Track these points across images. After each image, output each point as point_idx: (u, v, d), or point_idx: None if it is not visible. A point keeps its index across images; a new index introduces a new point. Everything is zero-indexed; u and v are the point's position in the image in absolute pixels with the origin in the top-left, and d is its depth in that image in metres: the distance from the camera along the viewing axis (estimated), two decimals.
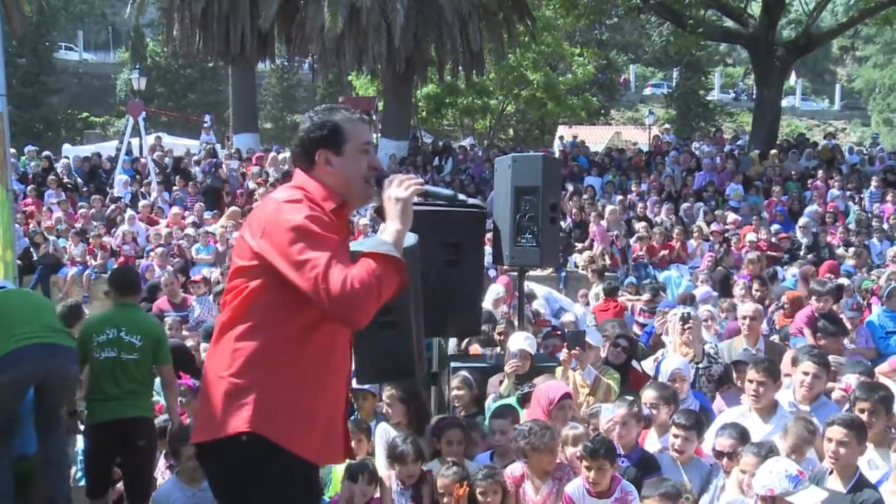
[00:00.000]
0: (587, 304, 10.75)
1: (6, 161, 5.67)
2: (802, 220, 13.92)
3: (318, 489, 3.00)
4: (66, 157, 20.51)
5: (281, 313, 2.64)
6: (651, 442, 4.87)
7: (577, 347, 5.46)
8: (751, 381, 4.77)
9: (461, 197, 3.01)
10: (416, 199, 2.77)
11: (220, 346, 2.72)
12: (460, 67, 23.64)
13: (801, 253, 13.13)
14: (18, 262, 6.03)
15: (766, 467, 3.66)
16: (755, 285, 8.99)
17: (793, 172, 17.81)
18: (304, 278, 2.53)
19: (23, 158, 19.23)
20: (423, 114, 36.15)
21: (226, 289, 2.83)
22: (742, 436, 4.31)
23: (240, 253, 2.76)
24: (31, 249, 14.03)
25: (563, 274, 13.87)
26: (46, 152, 20.84)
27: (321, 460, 2.82)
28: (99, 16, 58.46)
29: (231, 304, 2.72)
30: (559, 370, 5.65)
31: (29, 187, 17.20)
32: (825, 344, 6.76)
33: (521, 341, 5.49)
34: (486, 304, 8.71)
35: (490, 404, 5.31)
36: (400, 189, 2.71)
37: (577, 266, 14.31)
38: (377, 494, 4.44)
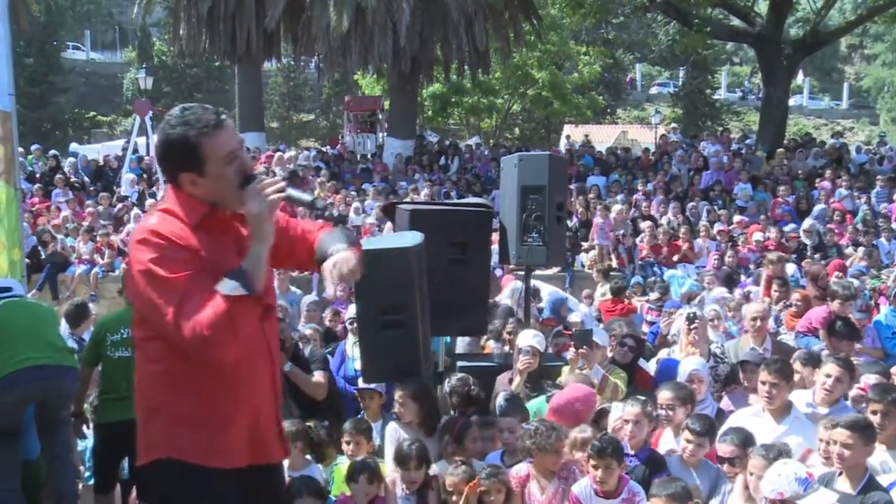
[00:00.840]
0: (591, 304, 10.72)
1: (15, 160, 5.68)
2: (807, 223, 13.85)
3: (272, 487, 3.01)
4: (73, 157, 20.57)
5: (159, 345, 2.69)
6: (666, 442, 4.84)
7: (585, 346, 5.44)
8: (763, 383, 4.71)
9: (319, 203, 2.95)
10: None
11: (137, 369, 2.80)
12: (466, 66, 23.66)
13: (808, 253, 13.08)
14: (27, 260, 6.03)
15: (775, 470, 3.63)
16: (775, 285, 8.96)
17: (800, 172, 17.76)
18: (159, 323, 2.58)
19: (29, 157, 19.29)
20: (429, 113, 36.18)
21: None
22: (745, 441, 4.28)
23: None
24: (39, 248, 14.08)
25: (570, 273, 13.87)
26: (53, 151, 20.90)
27: (241, 462, 2.81)
28: (106, 15, 58.67)
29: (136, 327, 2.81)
30: (566, 369, 5.64)
31: (36, 186, 17.26)
32: (838, 346, 6.74)
33: (530, 338, 5.46)
34: (505, 299, 8.74)
35: (501, 402, 5.29)
36: (255, 203, 2.63)
37: (583, 265, 14.31)
38: (381, 493, 4.42)
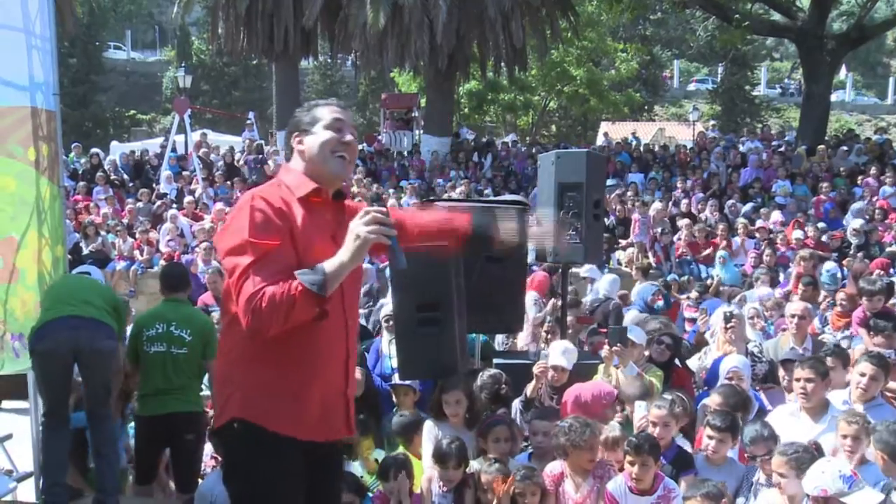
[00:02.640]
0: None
1: (59, 158, 5.77)
2: (857, 222, 13.56)
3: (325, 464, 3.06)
4: (113, 155, 20.93)
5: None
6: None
7: (619, 344, 5.39)
8: (798, 380, 4.67)
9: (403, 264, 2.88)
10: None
11: (222, 336, 3.00)
12: (503, 64, 23.59)
13: (851, 252, 12.83)
14: (69, 256, 6.13)
15: (818, 467, 3.59)
16: (801, 284, 8.84)
17: (841, 169, 17.44)
18: (230, 281, 2.73)
19: (71, 155, 19.65)
20: (466, 110, 36.16)
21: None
22: (771, 438, 4.26)
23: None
24: (81, 244, 14.32)
25: (606, 271, 13.76)
26: (95, 149, 21.27)
27: (311, 435, 2.89)
28: (146, 15, 59.62)
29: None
30: (601, 367, 5.60)
31: (79, 184, 17.59)
32: (880, 341, 6.61)
33: (557, 352, 5.40)
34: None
35: (517, 405, 5.27)
36: (364, 227, 2.70)
37: (619, 263, 14.20)
38: (417, 490, 4.43)
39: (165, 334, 5.30)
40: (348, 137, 2.95)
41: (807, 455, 3.79)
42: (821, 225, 13.88)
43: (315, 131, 2.92)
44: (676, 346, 6.29)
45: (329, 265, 2.69)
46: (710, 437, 4.41)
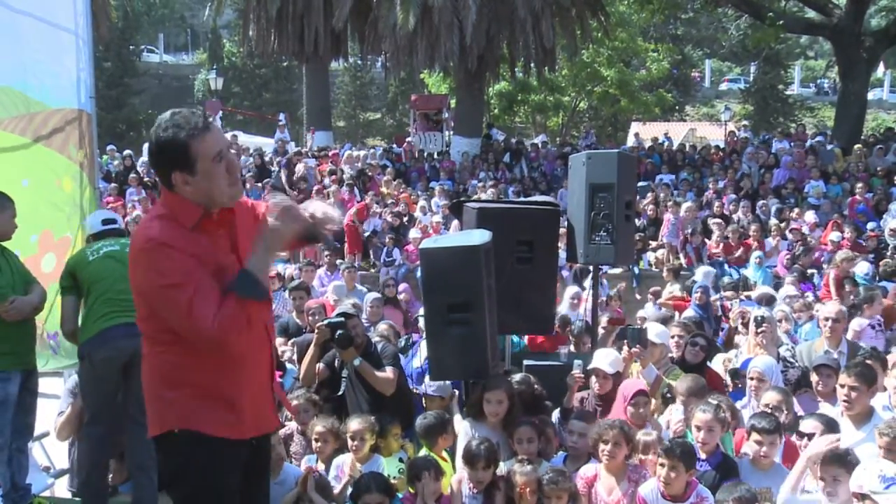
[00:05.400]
0: (656, 302, 10.57)
1: (94, 160, 5.85)
2: (893, 223, 13.29)
3: (260, 457, 3.21)
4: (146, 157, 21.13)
5: (173, 338, 2.85)
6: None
7: (638, 345, 5.36)
8: (842, 386, 4.55)
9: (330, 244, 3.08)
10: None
11: (146, 357, 2.98)
12: (532, 64, 23.55)
13: (889, 253, 12.61)
14: None
15: (862, 466, 3.57)
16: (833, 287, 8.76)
17: (878, 168, 17.16)
18: (176, 323, 2.78)
19: (104, 157, 19.92)
20: (496, 111, 36.10)
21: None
22: (828, 425, 4.22)
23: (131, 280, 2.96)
24: None
25: (637, 272, 13.68)
26: (128, 151, 21.55)
27: (248, 434, 3.04)
28: (178, 19, 60.23)
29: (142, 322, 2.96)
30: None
31: (112, 185, 17.82)
32: None
33: (600, 359, 5.33)
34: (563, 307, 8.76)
35: (556, 415, 5.26)
36: (285, 221, 2.84)
37: (650, 264, 14.11)
38: (445, 491, 4.42)
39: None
40: (233, 167, 2.92)
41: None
42: (869, 225, 13.64)
43: (200, 171, 2.81)
44: (711, 348, 6.24)
45: (253, 265, 2.82)
46: (759, 443, 4.32)
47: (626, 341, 5.46)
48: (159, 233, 2.81)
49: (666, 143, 22.40)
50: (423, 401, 5.68)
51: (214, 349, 2.79)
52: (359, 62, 43.81)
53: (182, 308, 2.72)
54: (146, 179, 18.81)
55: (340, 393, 5.57)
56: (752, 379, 5.32)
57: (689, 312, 9.05)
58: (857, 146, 18.53)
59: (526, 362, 6.07)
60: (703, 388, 4.94)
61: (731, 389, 5.95)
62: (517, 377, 5.21)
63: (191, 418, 2.87)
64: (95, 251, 4.99)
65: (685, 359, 5.96)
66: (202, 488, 2.92)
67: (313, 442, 4.97)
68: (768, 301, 9.01)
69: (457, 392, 5.60)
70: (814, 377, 5.48)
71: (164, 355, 2.89)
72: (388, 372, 5.47)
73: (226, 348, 2.79)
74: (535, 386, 5.23)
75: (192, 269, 2.78)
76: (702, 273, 10.89)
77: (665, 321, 7.23)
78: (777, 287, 10.39)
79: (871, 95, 31.37)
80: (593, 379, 5.26)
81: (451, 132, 24.80)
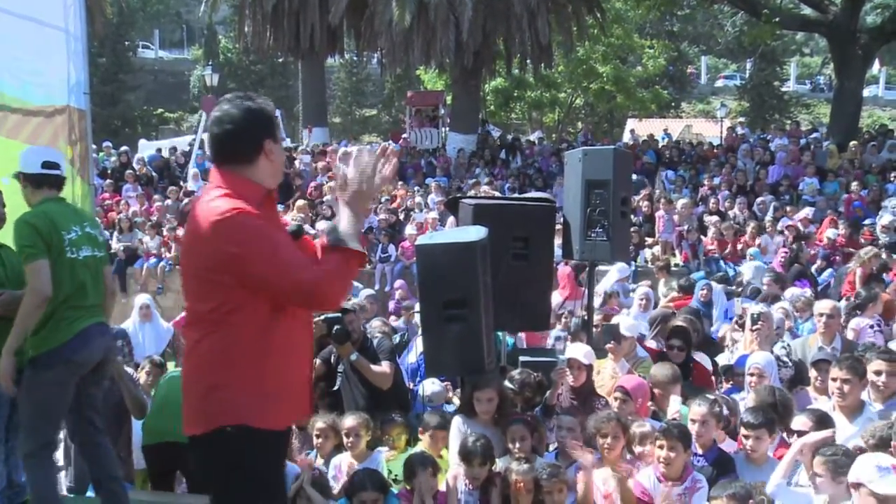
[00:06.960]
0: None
1: (89, 156, 5.83)
2: (885, 219, 13.31)
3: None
4: (142, 153, 21.14)
5: (233, 318, 2.79)
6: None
7: (613, 341, 5.40)
8: (834, 379, 4.60)
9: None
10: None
11: (194, 348, 2.90)
12: (528, 61, 23.52)
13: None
14: None
15: (862, 457, 3.59)
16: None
17: (873, 165, 17.18)
18: (271, 278, 2.70)
19: (101, 154, 19.87)
20: (492, 107, 36.09)
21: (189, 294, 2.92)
22: (821, 420, 4.23)
23: (192, 261, 2.87)
24: (111, 241, 14.50)
25: (633, 268, 13.67)
26: (124, 147, 21.50)
27: (288, 423, 3.15)
28: (174, 15, 60.08)
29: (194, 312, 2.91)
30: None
31: (107, 182, 17.79)
32: None
33: (575, 351, 5.45)
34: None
35: (537, 412, 5.26)
36: (369, 177, 2.82)
37: (646, 261, 14.11)
38: (442, 487, 4.42)
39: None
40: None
41: (845, 459, 3.74)
42: (867, 221, 13.63)
43: (278, 139, 2.93)
44: (689, 344, 6.19)
45: (344, 228, 2.79)
46: (746, 437, 4.35)
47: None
48: (233, 204, 2.73)
49: (665, 140, 22.40)
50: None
51: (314, 302, 2.80)
52: (355, 58, 43.74)
53: (280, 263, 2.68)
54: (144, 171, 18.83)
55: (336, 388, 5.58)
56: (752, 375, 5.32)
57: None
58: (852, 143, 18.55)
59: (522, 358, 6.07)
60: (677, 375, 5.18)
61: (724, 387, 5.95)
62: (517, 373, 5.22)
63: (242, 412, 2.79)
64: (73, 247, 4.31)
65: (669, 359, 5.97)
66: (257, 483, 2.87)
67: (314, 438, 4.98)
68: (754, 293, 9.05)
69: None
70: (812, 373, 5.50)
71: (214, 337, 2.79)
72: (385, 366, 5.47)
73: (325, 302, 2.82)
74: (534, 375, 5.24)
75: (274, 231, 2.80)
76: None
77: (666, 319, 7.26)
78: (774, 283, 10.39)
79: (866, 92, 31.40)
80: (568, 372, 5.30)
81: (447, 128, 24.78)
